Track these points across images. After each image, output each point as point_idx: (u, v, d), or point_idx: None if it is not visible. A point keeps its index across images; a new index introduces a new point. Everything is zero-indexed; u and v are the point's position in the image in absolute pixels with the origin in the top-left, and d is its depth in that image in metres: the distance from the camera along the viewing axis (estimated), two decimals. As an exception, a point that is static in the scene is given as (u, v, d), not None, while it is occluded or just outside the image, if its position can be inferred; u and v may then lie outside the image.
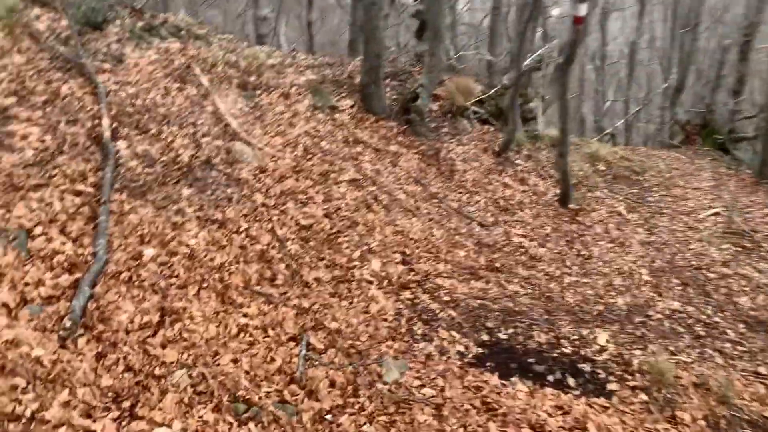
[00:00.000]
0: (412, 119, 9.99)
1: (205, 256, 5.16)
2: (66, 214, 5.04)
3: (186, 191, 6.03)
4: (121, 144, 6.21)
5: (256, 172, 6.91)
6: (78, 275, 4.35)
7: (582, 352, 5.55)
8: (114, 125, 6.40)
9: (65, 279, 4.29)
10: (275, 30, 17.55)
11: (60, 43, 7.16)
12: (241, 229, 5.76)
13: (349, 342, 4.69)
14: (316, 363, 4.31)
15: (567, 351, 5.53)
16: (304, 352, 4.35)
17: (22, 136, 5.76)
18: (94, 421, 3.18)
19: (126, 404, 3.38)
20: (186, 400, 3.54)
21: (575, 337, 5.75)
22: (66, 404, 3.24)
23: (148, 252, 4.92)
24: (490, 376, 4.94)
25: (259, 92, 8.76)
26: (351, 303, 5.28)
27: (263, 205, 6.30)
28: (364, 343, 4.79)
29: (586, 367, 5.33)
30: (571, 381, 5.10)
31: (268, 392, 3.88)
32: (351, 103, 9.70)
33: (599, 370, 5.31)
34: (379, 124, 9.59)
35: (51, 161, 5.62)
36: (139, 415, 3.32)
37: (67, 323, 3.79)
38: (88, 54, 7.25)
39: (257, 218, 6.06)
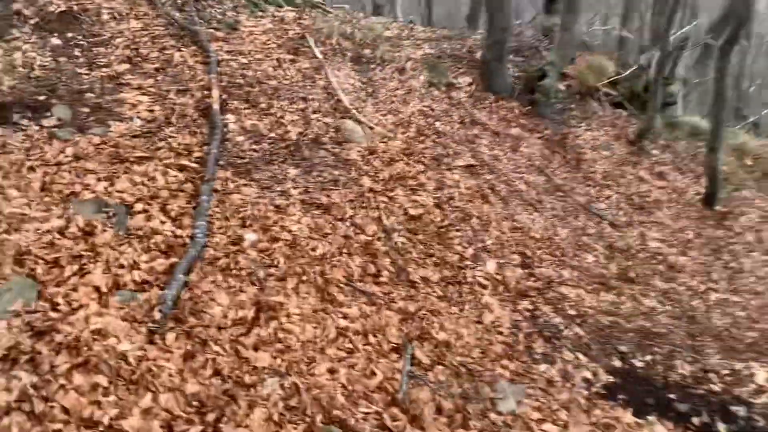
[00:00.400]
0: (536, 100, 9.10)
1: (307, 244, 4.75)
2: (168, 191, 4.80)
3: (292, 171, 5.65)
4: (230, 117, 5.93)
5: (365, 153, 6.42)
6: (174, 260, 4.07)
7: (735, 392, 4.62)
8: (223, 97, 6.13)
9: (160, 263, 4.01)
10: (392, 1, 16.96)
11: (175, 9, 7.00)
12: (346, 216, 5.31)
13: (459, 358, 4.11)
14: (421, 382, 3.77)
15: (716, 388, 4.62)
16: (408, 367, 3.82)
17: (131, 104, 5.61)
18: (175, 436, 2.84)
19: (210, 417, 3.02)
20: (276, 417, 3.13)
21: (726, 372, 4.82)
22: (147, 412, 2.92)
23: (249, 237, 4.58)
24: (623, 413, 4.18)
25: (372, 66, 8.25)
26: (461, 310, 4.69)
27: (371, 190, 5.81)
28: (475, 360, 4.19)
29: (741, 410, 4.42)
30: (721, 427, 4.23)
31: (366, 414, 3.39)
32: (469, 80, 8.97)
33: (757, 417, 4.38)
34: (499, 104, 8.80)
35: (158, 132, 5.42)
36: (223, 433, 2.95)
37: (158, 315, 3.49)
38: (202, 21, 7.03)
39: (363, 205, 5.58)
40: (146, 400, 2.98)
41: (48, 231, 3.95)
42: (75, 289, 3.57)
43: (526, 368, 4.34)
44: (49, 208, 4.19)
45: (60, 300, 3.43)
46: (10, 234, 3.83)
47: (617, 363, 4.68)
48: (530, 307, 5.00)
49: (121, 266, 3.89)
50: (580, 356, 4.61)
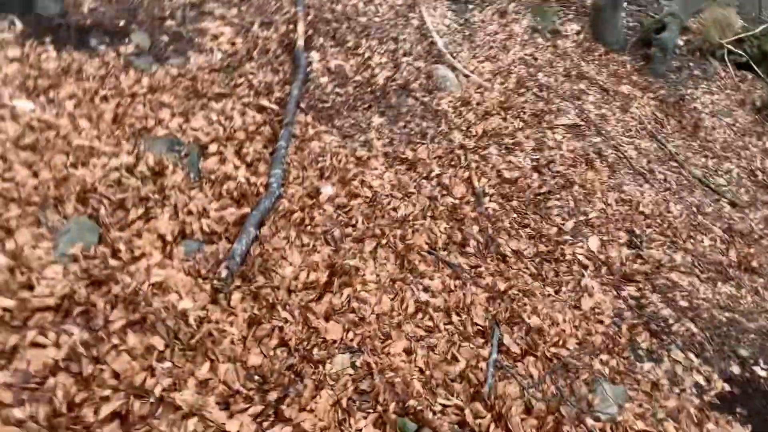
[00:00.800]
0: (651, 55, 8.07)
1: (388, 203, 4.29)
2: (245, 133, 4.43)
3: (377, 120, 5.16)
4: (314, 56, 5.46)
5: (458, 104, 5.82)
6: (245, 210, 3.72)
7: None
8: (309, 33, 5.65)
9: (231, 213, 3.67)
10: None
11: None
12: (432, 175, 4.79)
13: (553, 349, 3.59)
14: (509, 374, 3.29)
15: None
16: (494, 355, 3.35)
17: (213, 36, 5.23)
18: (231, 416, 2.51)
19: (272, 396, 2.67)
20: (344, 402, 2.75)
21: None
22: (203, 384, 2.60)
23: (326, 190, 4.17)
24: (741, 430, 3.59)
25: (471, 7, 7.50)
26: (557, 292, 4.13)
27: (461, 146, 5.24)
28: (571, 352, 3.66)
29: None
30: None
31: (446, 407, 2.97)
32: (577, 28, 8.05)
33: None
34: (609, 57, 7.87)
35: (239, 68, 5.04)
36: (285, 416, 2.60)
37: (224, 272, 3.16)
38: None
39: (452, 163, 5.04)
40: (204, 370, 2.66)
41: (116, 168, 3.68)
42: (139, 235, 3.29)
43: (629, 366, 3.77)
44: (119, 143, 3.92)
45: (122, 246, 3.15)
46: (76, 168, 3.58)
47: (735, 369, 4.02)
48: (636, 293, 4.37)
49: (190, 213, 3.58)
50: (692, 357, 3.98)
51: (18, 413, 2.20)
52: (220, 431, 2.44)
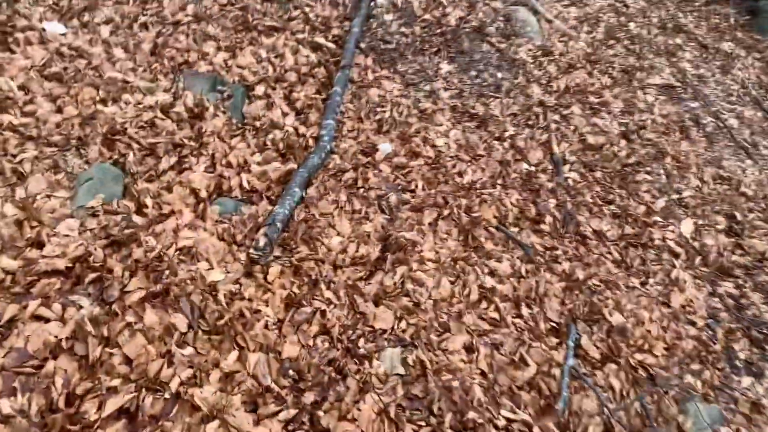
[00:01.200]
0: (759, 9, 7.06)
1: (454, 167, 3.74)
2: (297, 74, 3.91)
3: (445, 67, 4.55)
4: (379, -11, 4.82)
5: (538, 53, 5.12)
6: (291, 165, 3.25)
7: None
8: (375, -38, 5.00)
9: (275, 168, 3.21)
10: None
11: None
12: (505, 135, 4.19)
13: (638, 355, 3.05)
14: (587, 385, 2.79)
15: None
16: (571, 360, 2.84)
17: (267, -39, 4.63)
18: (258, 421, 2.11)
19: (308, 398, 2.26)
20: (392, 410, 2.32)
21: None
22: (229, 378, 2.20)
23: (384, 147, 3.65)
24: None
25: (558, -58, 6.61)
26: (644, 284, 3.55)
27: (540, 104, 4.59)
28: (658, 360, 3.12)
29: None
30: None
31: (511, 422, 2.50)
32: (678, -27, 7.06)
33: None
34: (710, 8, 6.92)
35: (293, -1, 4.47)
36: (322, 425, 2.18)
37: (262, 239, 2.72)
38: None
39: (529, 122, 4.41)
40: (230, 359, 2.26)
41: (151, 107, 3.24)
42: (169, 189, 2.86)
43: (724, 380, 3.21)
44: (156, 78, 3.47)
45: (148, 201, 2.74)
46: (106, 105, 3.15)
47: None
48: (734, 291, 3.75)
49: (228, 165, 3.13)
50: (799, 374, 3.38)
51: (6, 406, 1.83)
52: (245, 439, 2.04)
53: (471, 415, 2.42)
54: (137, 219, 2.65)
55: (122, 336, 2.16)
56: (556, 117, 4.50)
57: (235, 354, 2.28)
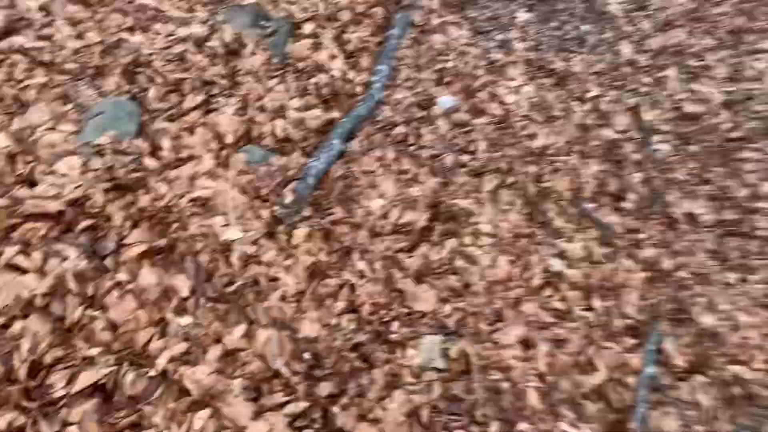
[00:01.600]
0: None
1: (523, 129, 3.23)
2: (351, 13, 3.48)
3: (522, 15, 3.98)
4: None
5: (631, 7, 4.45)
6: (334, 114, 2.83)
7: None
8: None
9: (315, 116, 2.79)
10: None
11: None
12: (587, 96, 3.62)
13: (732, 367, 2.50)
14: (668, 400, 2.28)
15: None
16: (651, 368, 2.33)
17: None
18: (259, 413, 1.73)
19: (323, 389, 1.87)
20: (424, 415, 1.90)
21: None
22: (230, 356, 1.84)
23: (444, 101, 3.17)
24: None
25: None
26: (743, 280, 2.95)
27: (630, 63, 3.96)
28: (755, 372, 2.56)
29: None
30: None
31: (570, 439, 2.04)
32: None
33: None
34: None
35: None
36: (337, 425, 1.79)
37: (289, 196, 2.32)
38: None
39: (616, 83, 3.80)
40: (236, 334, 1.89)
41: (182, 39, 2.88)
42: (191, 130, 2.50)
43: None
44: (192, 8, 3.10)
45: (165, 142, 2.39)
46: (132, 33, 2.81)
47: None
48: None
49: (262, 109, 2.74)
50: None
51: (-45, 372, 1.53)
52: (240, 434, 1.67)
53: (522, 426, 1.98)
54: (149, 162, 2.30)
55: (110, 297, 1.82)
56: (649, 80, 3.87)
57: (242, 328, 1.91)
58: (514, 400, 2.06)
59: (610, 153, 3.30)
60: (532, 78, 3.59)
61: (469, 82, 3.35)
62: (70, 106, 2.37)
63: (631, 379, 2.27)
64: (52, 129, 2.25)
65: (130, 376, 1.67)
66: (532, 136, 3.19)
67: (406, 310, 2.20)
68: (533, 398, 2.09)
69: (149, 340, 1.77)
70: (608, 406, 2.18)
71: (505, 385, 2.09)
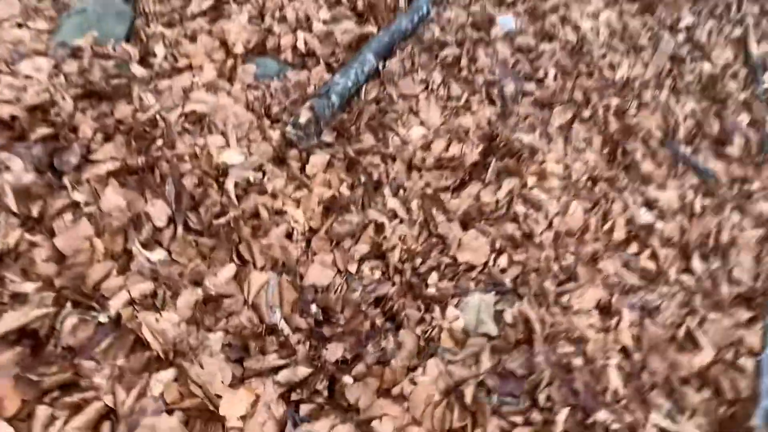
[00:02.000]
0: None
1: (603, 57, 2.65)
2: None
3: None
4: None
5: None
6: (370, 29, 2.33)
7: None
8: None
9: (346, 29, 2.31)
10: None
11: None
12: (681, 25, 3.00)
13: None
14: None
15: None
16: (772, 351, 1.76)
17: None
18: (243, 380, 1.28)
19: (332, 353, 1.40)
20: (468, 394, 1.41)
21: None
22: (208, 306, 1.39)
23: (506, 21, 2.62)
24: None
25: None
26: None
27: (733, -10, 3.29)
28: None
29: None
30: None
31: (665, 436, 1.51)
32: None
33: None
34: None
35: None
36: (347, 401, 1.32)
37: (305, 115, 1.85)
38: None
39: (716, 11, 3.16)
40: (222, 275, 1.44)
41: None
42: (193, 38, 2.06)
43: None
44: None
45: (160, 48, 1.96)
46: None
47: None
48: None
49: (283, 19, 2.28)
50: None
51: None
52: (208, 414, 1.22)
53: (601, 415, 1.46)
54: (137, 69, 1.87)
55: (60, 220, 1.40)
56: (756, 9, 3.19)
57: (230, 268, 1.46)
58: (591, 381, 1.53)
59: (709, 90, 2.67)
60: (615, 1, 2.99)
61: (536, 2, 2.78)
62: (47, 2, 1.96)
63: (747, 363, 1.71)
64: (21, 26, 1.85)
65: (71, 321, 1.24)
66: (613, 66, 2.61)
67: (447, 260, 1.70)
68: (615, 379, 1.56)
69: (104, 277, 1.34)
70: (717, 393, 1.63)
71: (578, 361, 1.57)
